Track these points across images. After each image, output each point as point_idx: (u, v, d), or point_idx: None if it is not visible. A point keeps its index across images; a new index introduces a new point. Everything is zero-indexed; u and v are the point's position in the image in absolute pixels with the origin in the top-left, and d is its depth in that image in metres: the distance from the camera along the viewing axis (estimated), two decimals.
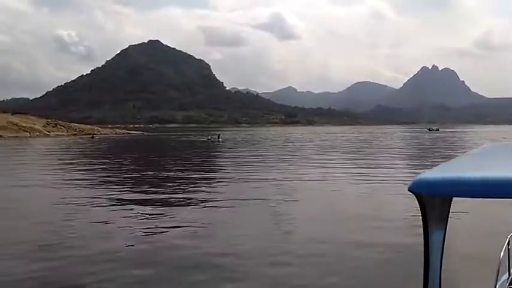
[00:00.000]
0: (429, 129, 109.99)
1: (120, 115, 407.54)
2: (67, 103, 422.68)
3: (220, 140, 58.92)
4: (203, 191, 14.02)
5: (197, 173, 17.12)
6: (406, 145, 46.45)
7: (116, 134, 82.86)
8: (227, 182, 15.85)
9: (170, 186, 15.20)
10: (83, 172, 21.49)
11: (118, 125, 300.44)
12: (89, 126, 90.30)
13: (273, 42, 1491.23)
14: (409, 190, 1.73)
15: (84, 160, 28.25)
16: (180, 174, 16.35)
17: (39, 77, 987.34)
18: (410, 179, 1.68)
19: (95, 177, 19.18)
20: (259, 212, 10.52)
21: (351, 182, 16.59)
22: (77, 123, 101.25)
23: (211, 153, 31.97)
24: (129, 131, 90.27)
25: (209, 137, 59.07)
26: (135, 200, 12.97)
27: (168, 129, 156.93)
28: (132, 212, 11.10)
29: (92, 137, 65.68)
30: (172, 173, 16.45)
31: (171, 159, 25.59)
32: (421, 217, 1.81)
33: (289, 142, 55.07)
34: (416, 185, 1.71)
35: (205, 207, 11.52)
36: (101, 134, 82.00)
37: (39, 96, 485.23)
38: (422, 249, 1.81)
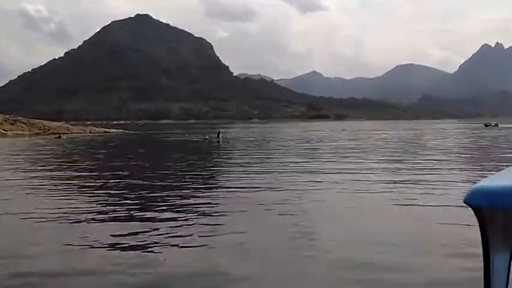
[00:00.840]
0: (486, 125, 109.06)
1: (101, 108, 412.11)
2: (34, 94, 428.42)
3: (220, 140, 58.33)
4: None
5: (166, 205, 15.61)
6: (460, 147, 45.14)
7: (90, 133, 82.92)
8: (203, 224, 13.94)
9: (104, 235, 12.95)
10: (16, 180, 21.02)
11: (98, 121, 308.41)
12: (58, 124, 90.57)
13: (292, 15, 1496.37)
14: (465, 202, 1.69)
15: (28, 168, 27.50)
16: (136, 213, 14.73)
17: (1, 62, 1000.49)
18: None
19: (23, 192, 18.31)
20: None
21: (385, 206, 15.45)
22: (46, 118, 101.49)
23: (200, 163, 31.01)
24: (108, 129, 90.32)
25: (206, 137, 58.36)
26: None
27: (159, 127, 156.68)
28: None
29: (59, 137, 65.71)
30: (123, 210, 15.00)
31: (142, 172, 24.57)
32: (480, 235, 1.75)
33: (307, 143, 54.01)
34: (474, 196, 1.66)
35: None
36: (72, 132, 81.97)
37: (0, 86, 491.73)
38: (482, 274, 1.75)
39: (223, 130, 67.09)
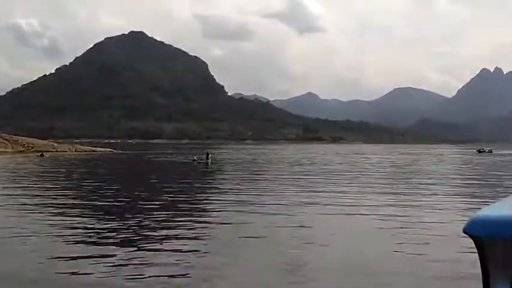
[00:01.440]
0: (479, 151, 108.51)
1: (92, 126, 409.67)
2: (24, 110, 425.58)
3: (209, 161, 57.47)
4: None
5: (119, 238, 14.12)
6: (457, 173, 44.13)
7: (75, 151, 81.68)
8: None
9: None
10: None
11: (88, 140, 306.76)
12: (43, 141, 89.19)
13: (289, 35, 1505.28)
14: (464, 232, 1.72)
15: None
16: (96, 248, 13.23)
17: None
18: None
19: None
20: None
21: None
22: (35, 136, 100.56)
23: (182, 186, 29.70)
24: (95, 148, 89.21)
25: (195, 158, 57.38)
26: None
27: (150, 146, 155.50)
28: None
29: (41, 155, 64.63)
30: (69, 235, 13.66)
31: (110, 196, 23.24)
32: (480, 266, 1.79)
33: (298, 165, 52.97)
34: (473, 225, 1.69)
35: None
36: (57, 151, 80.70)
37: None
38: None
39: (213, 151, 65.92)
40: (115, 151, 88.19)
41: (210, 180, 35.12)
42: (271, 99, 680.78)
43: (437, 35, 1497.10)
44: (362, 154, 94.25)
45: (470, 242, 1.71)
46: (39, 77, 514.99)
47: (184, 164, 54.99)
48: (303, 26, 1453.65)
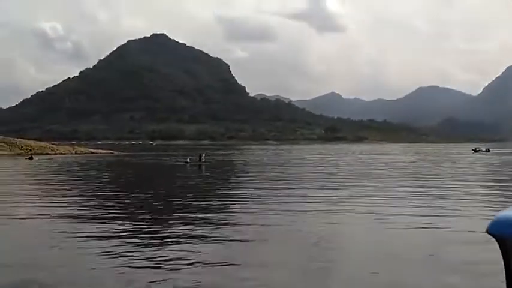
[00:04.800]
0: (475, 150, 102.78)
1: (114, 128, 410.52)
2: (48, 113, 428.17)
3: (204, 161, 53.13)
4: None
5: None
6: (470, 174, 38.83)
7: (75, 153, 77.74)
8: None
9: None
10: None
11: (110, 141, 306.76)
12: (42, 143, 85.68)
13: (311, 35, 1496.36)
14: (487, 232, 1.68)
15: None
16: None
17: (15, 81, 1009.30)
18: None
19: None
20: None
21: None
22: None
23: (155, 192, 25.24)
24: (95, 150, 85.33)
25: (188, 160, 52.74)
26: None
27: (170, 147, 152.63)
28: None
29: (30, 158, 60.64)
30: None
31: (72, 203, 19.08)
32: (503, 268, 1.73)
33: (310, 166, 48.21)
34: (497, 225, 1.64)
35: None
36: (55, 153, 76.71)
37: (13, 105, 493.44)
38: None
39: (205, 153, 60.73)
40: (115, 153, 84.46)
41: (191, 185, 30.18)
42: (293, 99, 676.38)
43: (461, 32, 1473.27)
44: (377, 154, 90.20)
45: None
46: (63, 80, 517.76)
47: (176, 166, 50.48)
48: (323, 25, 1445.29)
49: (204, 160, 54.06)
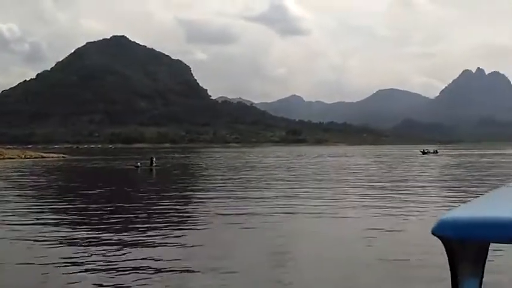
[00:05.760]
0: (423, 152, 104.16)
1: (73, 131, 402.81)
2: (4, 116, 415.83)
3: (155, 166, 51.65)
4: None
5: None
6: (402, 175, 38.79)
7: (24, 157, 74.94)
8: None
9: None
10: None
11: (68, 145, 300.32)
12: None
13: (272, 38, 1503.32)
14: (433, 233, 1.69)
15: None
16: None
17: None
18: None
19: None
20: None
21: None
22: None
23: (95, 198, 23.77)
24: (46, 154, 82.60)
25: (138, 164, 51.05)
26: None
27: (129, 151, 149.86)
28: None
29: None
30: None
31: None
32: (449, 268, 1.76)
33: (263, 169, 47.32)
34: (442, 226, 1.66)
35: None
36: (3, 158, 73.63)
37: None
38: None
39: (155, 157, 58.91)
40: (67, 157, 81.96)
41: (135, 191, 28.75)
42: (255, 102, 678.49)
43: (419, 36, 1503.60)
44: (327, 157, 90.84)
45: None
46: (20, 83, 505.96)
47: (125, 171, 48.75)
48: (285, 28, 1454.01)
49: (155, 164, 52.50)
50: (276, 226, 16.13)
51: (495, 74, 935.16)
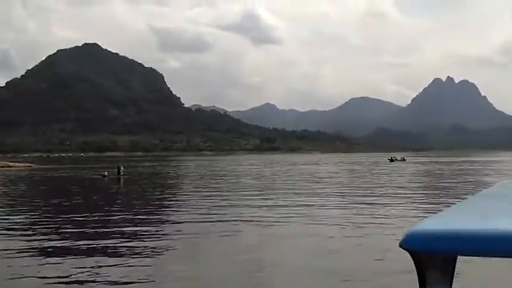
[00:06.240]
0: (391, 159, 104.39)
1: (44, 140, 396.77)
2: None
3: (122, 175, 50.52)
4: None
5: None
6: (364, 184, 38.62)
7: None
8: None
9: None
10: None
11: (39, 154, 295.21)
12: None
13: (246, 47, 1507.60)
14: (400, 246, 1.66)
15: None
16: None
17: None
18: None
19: None
20: None
21: None
22: None
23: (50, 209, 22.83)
24: (13, 164, 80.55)
25: (105, 173, 49.76)
26: None
27: (101, 159, 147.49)
28: None
29: None
30: None
31: None
32: (417, 280, 1.75)
33: (233, 178, 46.75)
34: (410, 239, 1.64)
35: None
36: None
37: None
38: None
39: (123, 165, 57.60)
40: (34, 166, 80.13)
41: (98, 201, 27.75)
42: (229, 110, 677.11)
43: (391, 46, 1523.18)
44: (301, 165, 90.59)
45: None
46: None
47: (91, 180, 47.50)
48: (258, 37, 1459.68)
49: (122, 173, 51.25)
50: (239, 235, 15.81)
51: (465, 83, 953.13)
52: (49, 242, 14.67)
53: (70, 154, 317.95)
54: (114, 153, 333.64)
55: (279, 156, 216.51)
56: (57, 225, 17.86)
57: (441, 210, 2.19)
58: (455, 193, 29.67)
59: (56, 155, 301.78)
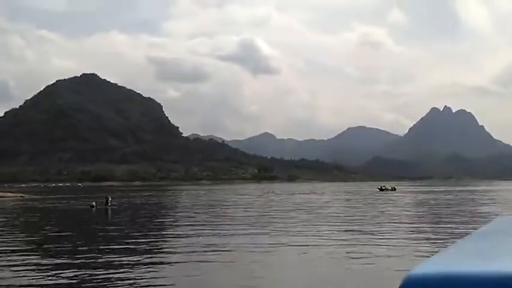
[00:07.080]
0: (381, 188, 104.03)
1: (42, 170, 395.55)
2: None
3: (110, 205, 50.21)
4: None
5: None
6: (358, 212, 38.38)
7: None
8: None
9: None
10: None
11: (36, 184, 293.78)
12: None
13: (244, 77, 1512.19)
14: None
15: None
16: None
17: None
18: None
19: None
20: None
21: None
22: None
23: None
24: (3, 194, 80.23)
25: (93, 204, 49.47)
26: None
27: (99, 189, 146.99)
28: None
29: None
30: None
31: None
32: None
33: (224, 208, 46.54)
34: (409, 283, 1.64)
35: None
36: None
37: None
38: None
39: (110, 196, 57.21)
40: (26, 196, 79.85)
41: (80, 232, 27.46)
42: (227, 139, 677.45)
43: (387, 75, 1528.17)
44: (299, 194, 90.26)
45: None
46: None
47: (79, 211, 47.22)
48: (256, 67, 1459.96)
49: (110, 204, 50.93)
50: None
51: (462, 112, 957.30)
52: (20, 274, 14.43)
53: (68, 184, 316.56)
54: (112, 182, 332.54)
55: (277, 185, 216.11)
56: (31, 258, 17.66)
57: (439, 251, 2.13)
58: (443, 227, 29.46)
59: (54, 184, 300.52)
